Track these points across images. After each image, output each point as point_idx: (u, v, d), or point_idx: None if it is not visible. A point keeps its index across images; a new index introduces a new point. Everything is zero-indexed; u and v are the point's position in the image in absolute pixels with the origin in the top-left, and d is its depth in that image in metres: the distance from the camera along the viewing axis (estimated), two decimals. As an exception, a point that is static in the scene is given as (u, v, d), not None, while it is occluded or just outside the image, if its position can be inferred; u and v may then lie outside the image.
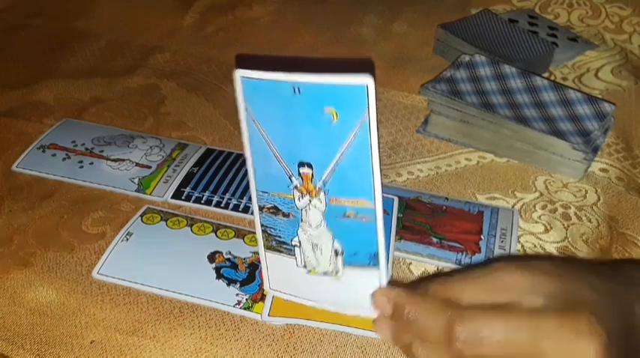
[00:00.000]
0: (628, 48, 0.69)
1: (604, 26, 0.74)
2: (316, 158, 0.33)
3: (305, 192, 0.35)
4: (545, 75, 0.64)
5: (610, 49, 0.69)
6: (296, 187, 0.35)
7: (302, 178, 0.34)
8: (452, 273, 0.35)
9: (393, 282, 0.35)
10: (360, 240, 0.34)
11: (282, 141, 0.34)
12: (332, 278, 0.36)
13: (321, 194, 0.34)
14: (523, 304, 0.31)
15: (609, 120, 0.56)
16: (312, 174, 0.34)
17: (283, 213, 0.36)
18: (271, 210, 0.36)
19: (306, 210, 0.35)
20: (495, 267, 0.33)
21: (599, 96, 0.60)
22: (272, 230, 0.37)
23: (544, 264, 0.33)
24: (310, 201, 0.35)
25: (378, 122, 0.31)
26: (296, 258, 0.37)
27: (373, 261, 0.34)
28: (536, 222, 0.48)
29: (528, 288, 0.32)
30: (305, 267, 0.37)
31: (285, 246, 0.37)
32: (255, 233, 0.46)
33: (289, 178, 0.35)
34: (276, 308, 0.41)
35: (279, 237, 0.37)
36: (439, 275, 0.41)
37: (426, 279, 0.35)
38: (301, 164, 0.34)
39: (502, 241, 0.46)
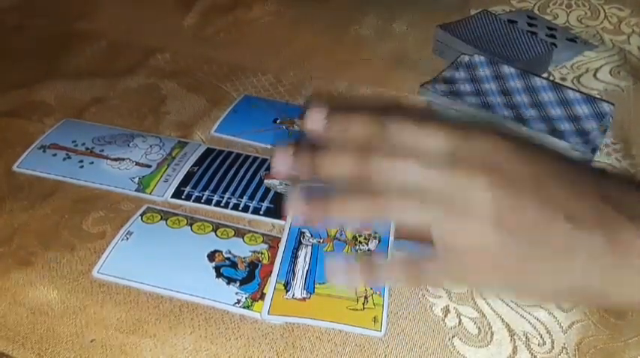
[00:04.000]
0: (626, 48, 0.70)
1: (603, 27, 0.74)
2: None
3: None
4: (544, 75, 0.65)
5: (609, 50, 0.69)
6: None
7: None
8: None
9: None
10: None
11: None
12: None
13: None
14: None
15: (608, 120, 0.56)
16: None
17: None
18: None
19: None
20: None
21: (598, 97, 0.61)
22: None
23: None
24: None
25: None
26: None
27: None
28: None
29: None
30: None
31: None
32: (254, 232, 0.47)
33: None
34: (276, 306, 0.41)
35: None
36: None
37: None
38: None
39: (500, 240, 0.46)
